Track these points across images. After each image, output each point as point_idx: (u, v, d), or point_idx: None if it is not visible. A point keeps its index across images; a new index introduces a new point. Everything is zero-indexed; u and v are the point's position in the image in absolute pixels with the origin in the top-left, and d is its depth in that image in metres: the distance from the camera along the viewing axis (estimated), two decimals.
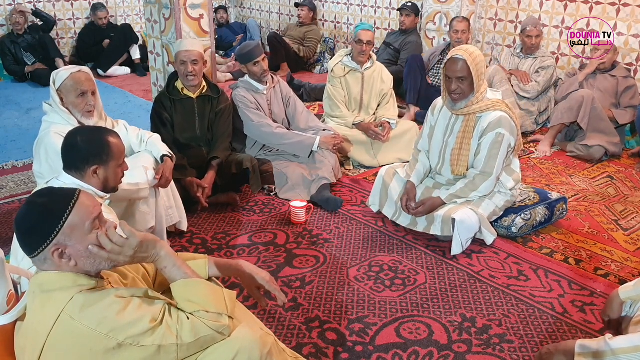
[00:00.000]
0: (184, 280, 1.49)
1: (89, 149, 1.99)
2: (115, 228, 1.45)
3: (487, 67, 3.35)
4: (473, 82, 2.73)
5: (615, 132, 4.20)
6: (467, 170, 2.88)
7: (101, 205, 1.54)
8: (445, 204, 2.85)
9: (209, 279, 1.74)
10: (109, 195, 2.15)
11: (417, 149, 3.11)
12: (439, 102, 3.00)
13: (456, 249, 2.77)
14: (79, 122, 2.53)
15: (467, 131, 2.84)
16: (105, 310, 1.34)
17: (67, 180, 1.99)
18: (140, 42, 6.90)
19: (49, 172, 2.45)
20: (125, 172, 2.15)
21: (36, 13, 6.58)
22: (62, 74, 2.54)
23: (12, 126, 4.87)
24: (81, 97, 2.51)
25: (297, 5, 6.91)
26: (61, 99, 2.54)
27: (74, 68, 2.57)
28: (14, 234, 2.17)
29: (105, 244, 1.41)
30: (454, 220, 2.73)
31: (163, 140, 2.84)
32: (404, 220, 2.98)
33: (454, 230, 2.74)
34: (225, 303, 1.49)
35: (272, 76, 3.74)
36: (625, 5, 4.60)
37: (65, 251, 1.38)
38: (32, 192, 2.07)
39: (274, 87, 3.74)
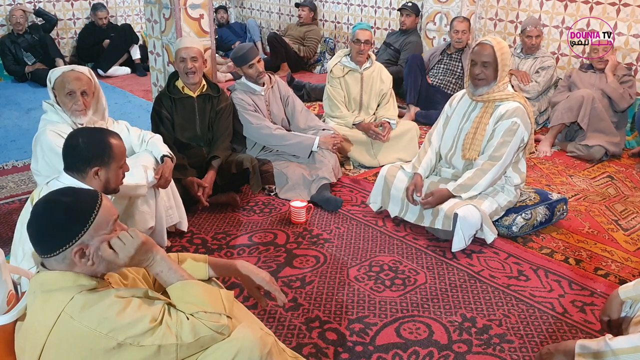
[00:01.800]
0: (180, 282, 1.49)
1: (90, 150, 1.98)
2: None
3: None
4: (497, 70, 2.80)
5: (615, 132, 4.20)
6: (478, 155, 2.90)
7: None
8: (452, 196, 2.86)
9: (209, 279, 1.74)
10: (109, 196, 2.15)
11: (429, 140, 3.13)
12: (459, 94, 3.09)
13: (457, 245, 2.77)
14: (72, 122, 2.53)
15: (484, 117, 2.89)
16: (106, 311, 1.34)
17: (67, 181, 1.99)
18: (140, 42, 6.90)
19: (46, 169, 2.46)
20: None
21: (38, 12, 6.59)
22: (56, 72, 2.53)
23: (12, 126, 4.87)
24: (69, 96, 2.49)
25: (297, 5, 6.91)
26: (56, 97, 2.54)
27: (68, 67, 2.56)
28: (15, 234, 2.19)
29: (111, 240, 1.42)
30: (455, 215, 2.73)
31: (163, 140, 2.84)
32: (411, 216, 3.00)
33: (456, 226, 2.74)
34: (223, 303, 1.49)
35: (269, 76, 3.74)
36: (625, 5, 4.60)
37: (87, 251, 1.39)
38: (37, 191, 2.08)
39: (272, 87, 3.74)
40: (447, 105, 3.13)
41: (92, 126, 2.50)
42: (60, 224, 1.37)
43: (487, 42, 2.81)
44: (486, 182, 2.84)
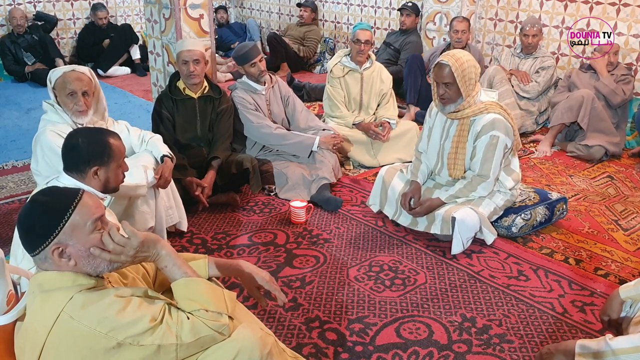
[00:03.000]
0: (184, 279, 1.49)
1: (89, 150, 1.98)
2: (118, 230, 1.45)
3: (484, 68, 3.32)
4: (459, 88, 2.73)
5: (615, 132, 4.21)
6: (464, 172, 2.89)
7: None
8: (445, 203, 2.86)
9: (209, 279, 1.74)
10: (109, 197, 2.15)
11: (418, 151, 3.11)
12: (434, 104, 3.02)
13: (456, 248, 2.77)
14: (72, 122, 2.53)
15: (461, 135, 2.85)
16: (105, 310, 1.34)
17: (68, 182, 1.99)
18: (140, 42, 6.90)
19: (46, 169, 2.46)
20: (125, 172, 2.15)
21: (38, 16, 6.61)
22: (57, 72, 2.54)
23: (12, 126, 4.87)
24: (70, 96, 2.49)
25: (299, 5, 6.91)
26: (56, 97, 2.54)
27: (69, 67, 2.56)
28: (14, 234, 2.19)
29: (107, 244, 1.41)
30: (453, 219, 2.73)
31: (164, 140, 2.84)
32: (405, 219, 2.99)
33: (454, 229, 2.74)
34: (226, 303, 1.49)
35: (270, 76, 3.74)
36: (625, 5, 4.60)
37: (66, 250, 1.38)
38: (35, 191, 2.08)
39: (273, 87, 3.74)
40: (427, 116, 3.06)
41: (92, 126, 2.50)
42: (36, 224, 1.38)
43: (444, 62, 2.71)
44: (478, 195, 2.84)
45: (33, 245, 1.39)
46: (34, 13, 6.65)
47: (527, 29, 4.59)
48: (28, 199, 1.45)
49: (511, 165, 2.97)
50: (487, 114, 2.78)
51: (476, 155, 2.82)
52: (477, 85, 2.81)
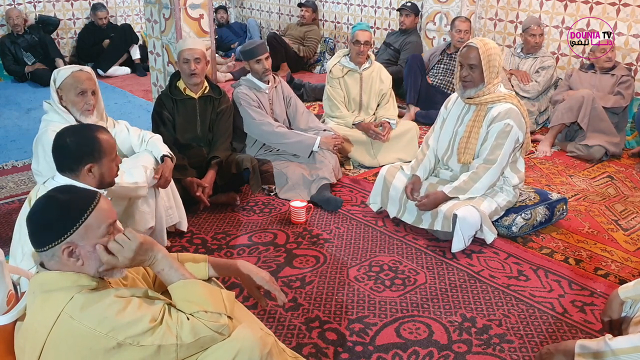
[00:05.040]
0: (182, 281, 1.49)
1: (79, 149, 1.97)
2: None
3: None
4: (483, 72, 2.78)
5: (615, 132, 4.21)
6: (473, 159, 2.90)
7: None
8: (449, 198, 2.86)
9: (209, 279, 1.74)
10: (106, 193, 2.14)
11: (427, 144, 3.14)
12: (453, 96, 3.08)
13: (457, 246, 2.77)
14: (77, 121, 2.54)
15: (477, 120, 2.89)
16: (105, 310, 1.34)
17: (63, 181, 1.98)
18: (140, 42, 6.90)
19: (47, 169, 2.46)
20: (124, 171, 2.15)
21: (41, 20, 6.61)
22: (64, 72, 2.55)
23: (12, 126, 4.87)
24: (81, 95, 2.52)
25: (300, 5, 6.91)
26: (60, 98, 2.55)
27: (75, 67, 2.59)
28: (14, 234, 2.19)
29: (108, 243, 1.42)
30: (455, 216, 2.73)
31: (164, 141, 2.84)
32: (409, 217, 2.99)
33: (455, 226, 2.74)
34: (224, 303, 1.49)
35: (273, 76, 3.74)
36: (625, 5, 4.60)
37: (76, 250, 1.39)
38: (35, 190, 2.08)
39: (276, 86, 3.74)
40: (442, 108, 3.13)
41: (76, 124, 2.50)
42: (52, 221, 1.38)
43: (473, 45, 2.79)
44: (482, 185, 2.84)
45: (44, 241, 1.38)
46: (36, 17, 6.65)
47: (535, 28, 4.59)
48: (43, 195, 1.44)
49: (517, 164, 3.00)
50: (505, 103, 2.84)
51: (487, 140, 2.85)
52: (498, 76, 2.86)
